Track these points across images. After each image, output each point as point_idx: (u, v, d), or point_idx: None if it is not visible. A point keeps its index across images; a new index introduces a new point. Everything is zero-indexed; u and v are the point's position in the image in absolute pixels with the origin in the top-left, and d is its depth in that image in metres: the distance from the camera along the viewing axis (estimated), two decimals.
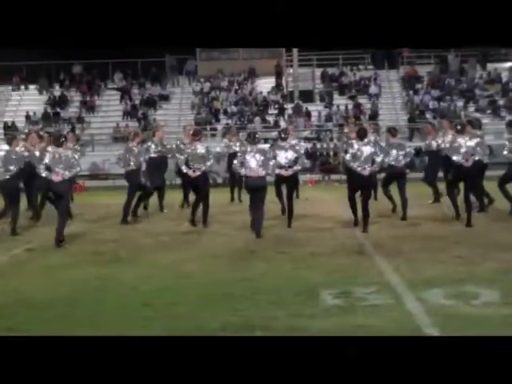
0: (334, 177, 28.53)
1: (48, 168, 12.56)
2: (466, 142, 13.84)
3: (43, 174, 12.70)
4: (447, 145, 14.83)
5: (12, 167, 13.92)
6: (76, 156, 13.47)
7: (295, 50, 39.39)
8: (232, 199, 19.22)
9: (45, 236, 13.56)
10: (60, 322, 7.37)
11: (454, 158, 13.84)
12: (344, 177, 27.84)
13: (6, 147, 14.83)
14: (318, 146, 32.92)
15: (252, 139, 14.01)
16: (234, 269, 10.12)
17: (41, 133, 18.22)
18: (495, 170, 16.23)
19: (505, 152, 14.61)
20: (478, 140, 14.30)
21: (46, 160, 12.71)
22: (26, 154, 14.93)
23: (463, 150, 13.71)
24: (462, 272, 9.38)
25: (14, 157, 14.15)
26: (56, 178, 12.51)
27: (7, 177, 13.82)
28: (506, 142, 15.08)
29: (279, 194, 14.59)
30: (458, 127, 14.51)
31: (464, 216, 13.84)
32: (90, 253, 11.93)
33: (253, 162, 13.07)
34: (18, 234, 13.71)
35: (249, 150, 13.61)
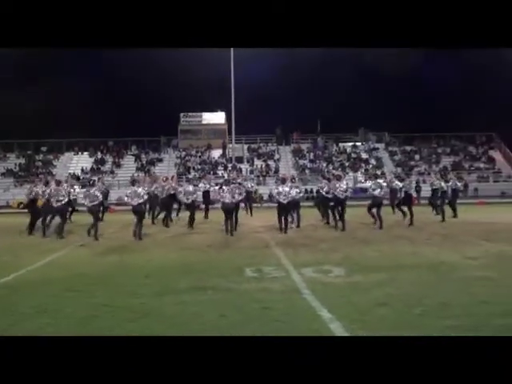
0: (254, 204, 28.63)
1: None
2: (341, 185, 14.30)
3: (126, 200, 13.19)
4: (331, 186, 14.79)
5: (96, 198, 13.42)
6: (143, 190, 13.29)
7: (233, 134, 39.85)
8: (206, 217, 18.80)
9: (90, 239, 13.28)
10: (100, 286, 7.25)
11: (335, 193, 14.20)
12: (259, 204, 28.25)
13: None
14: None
15: (227, 182, 14.78)
16: (202, 253, 10.03)
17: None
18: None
19: (370, 190, 14.76)
20: (346, 184, 14.74)
21: (129, 192, 13.12)
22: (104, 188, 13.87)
23: (340, 189, 14.16)
24: (323, 258, 9.48)
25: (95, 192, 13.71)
26: (134, 203, 12.97)
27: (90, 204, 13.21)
28: (370, 184, 15.41)
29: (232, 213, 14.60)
30: (338, 177, 15.30)
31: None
32: (117, 246, 11.69)
33: (226, 195, 13.71)
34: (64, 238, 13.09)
35: (224, 188, 14.19)
